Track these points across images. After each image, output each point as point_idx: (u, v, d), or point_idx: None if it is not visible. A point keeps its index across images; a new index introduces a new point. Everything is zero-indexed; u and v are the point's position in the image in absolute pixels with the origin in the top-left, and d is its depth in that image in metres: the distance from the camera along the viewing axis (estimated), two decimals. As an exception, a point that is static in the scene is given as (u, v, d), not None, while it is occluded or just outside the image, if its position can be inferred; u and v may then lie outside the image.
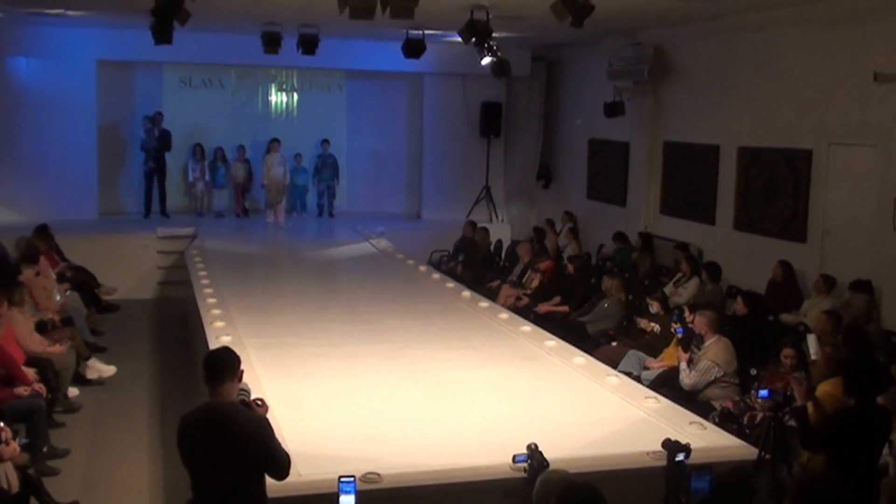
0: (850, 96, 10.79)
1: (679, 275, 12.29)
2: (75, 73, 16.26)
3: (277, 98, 18.99)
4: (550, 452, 5.41)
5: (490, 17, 11.52)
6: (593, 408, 7.21)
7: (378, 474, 5.48)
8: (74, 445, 8.55)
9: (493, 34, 11.99)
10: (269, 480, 4.84)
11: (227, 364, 4.85)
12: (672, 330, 9.06)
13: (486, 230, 15.73)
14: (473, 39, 11.84)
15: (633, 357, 9.51)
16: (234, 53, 16.38)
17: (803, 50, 11.55)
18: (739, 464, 5.76)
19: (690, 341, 8.61)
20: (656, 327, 10.00)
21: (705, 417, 7.11)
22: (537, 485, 4.43)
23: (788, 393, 7.14)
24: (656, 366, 9.28)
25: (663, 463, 5.64)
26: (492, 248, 15.81)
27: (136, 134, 17.27)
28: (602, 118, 15.35)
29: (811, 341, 8.12)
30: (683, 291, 11.84)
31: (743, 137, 12.68)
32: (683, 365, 8.53)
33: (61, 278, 12.55)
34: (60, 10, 13.35)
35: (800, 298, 10.89)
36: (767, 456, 6.22)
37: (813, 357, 7.97)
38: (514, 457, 5.51)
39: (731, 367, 8.49)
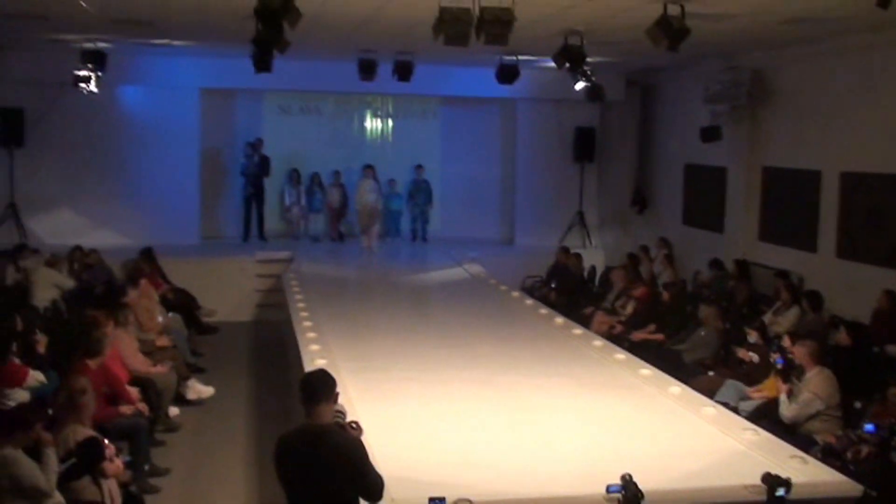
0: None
1: (778, 303, 11.98)
2: (179, 101, 16.83)
3: (373, 124, 19.29)
4: (645, 484, 5.32)
5: (584, 42, 11.50)
6: (689, 439, 7.06)
7: (470, 501, 5.46)
8: (174, 464, 8.77)
9: (588, 59, 11.95)
10: (362, 502, 4.89)
11: (323, 386, 4.92)
12: (771, 360, 8.83)
13: (579, 256, 15.63)
14: (567, 64, 11.82)
15: (731, 387, 9.31)
16: (332, 81, 16.71)
17: (909, 73, 11.22)
18: (843, 501, 5.57)
19: (791, 372, 8.38)
20: (755, 357, 9.76)
21: (807, 451, 6.88)
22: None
23: (896, 428, 6.89)
24: (756, 395, 9.05)
25: (762, 498, 5.48)
26: (585, 274, 15.69)
27: (237, 160, 17.74)
28: (698, 143, 15.13)
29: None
30: (783, 321, 11.53)
31: (845, 163, 12.34)
32: (784, 397, 8.30)
33: (164, 300, 12.94)
34: (166, 41, 13.85)
35: (906, 330, 10.50)
36: (874, 493, 5.99)
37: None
38: (607, 487, 5.43)
39: (834, 400, 8.22)
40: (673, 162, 17.30)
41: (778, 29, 11.03)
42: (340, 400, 5.09)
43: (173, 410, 10.09)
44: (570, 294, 14.63)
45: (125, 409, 8.47)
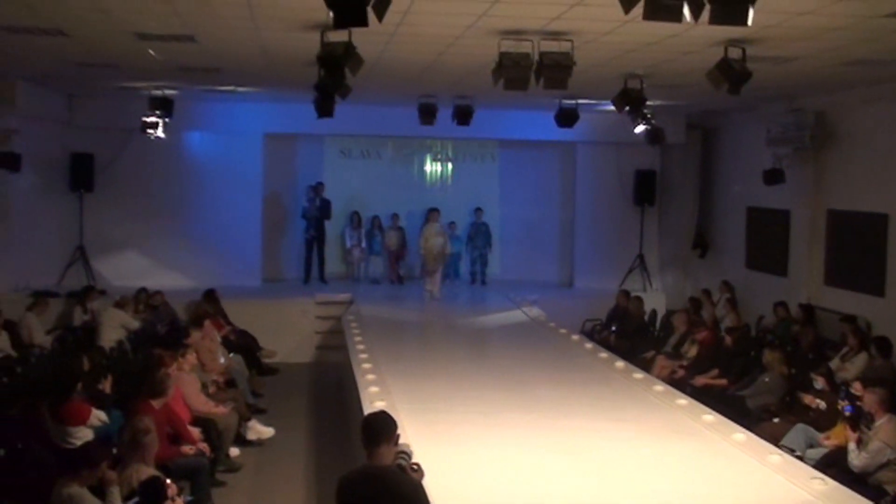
0: None
1: (846, 349, 11.72)
2: (243, 146, 17.18)
3: (432, 168, 19.46)
4: (709, 532, 5.22)
5: (644, 85, 11.50)
6: (755, 488, 6.91)
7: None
8: (234, 504, 8.83)
9: (648, 102, 11.95)
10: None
11: (383, 428, 4.95)
12: (839, 407, 8.63)
13: (640, 299, 15.49)
14: (627, 108, 11.82)
15: (800, 431, 9.08)
16: (392, 125, 16.95)
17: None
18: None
19: (860, 420, 8.17)
20: (821, 404, 9.54)
21: (876, 502, 6.70)
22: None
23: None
24: (827, 442, 8.82)
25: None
26: (646, 317, 15.54)
27: (298, 203, 17.98)
28: (761, 186, 14.96)
29: None
30: (851, 367, 11.27)
31: (914, 205, 12.10)
32: (852, 445, 8.10)
33: (226, 341, 13.10)
34: (231, 87, 14.18)
35: (981, 376, 10.19)
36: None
37: None
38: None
39: (905, 449, 8.00)
40: (735, 205, 17.12)
41: (841, 71, 10.92)
42: (400, 442, 5.10)
43: (234, 451, 10.17)
44: (630, 338, 14.49)
45: (187, 449, 8.56)
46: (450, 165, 19.50)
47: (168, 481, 6.87)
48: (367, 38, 8.00)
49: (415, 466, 5.13)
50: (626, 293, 15.80)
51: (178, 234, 17.08)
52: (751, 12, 5.92)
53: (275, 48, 10.04)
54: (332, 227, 18.04)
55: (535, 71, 8.73)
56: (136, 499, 6.62)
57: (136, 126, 14.85)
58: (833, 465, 8.10)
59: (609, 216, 18.24)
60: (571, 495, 6.67)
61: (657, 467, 7.36)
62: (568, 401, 9.41)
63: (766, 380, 10.74)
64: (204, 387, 10.42)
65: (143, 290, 14.75)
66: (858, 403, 8.35)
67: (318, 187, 17.59)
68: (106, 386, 9.01)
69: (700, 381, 11.71)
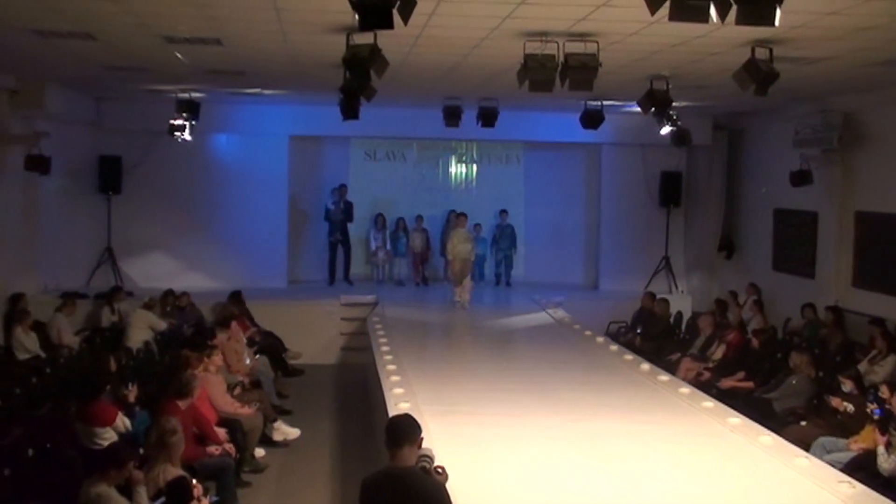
0: None
1: (874, 352, 11.59)
2: (270, 148, 17.25)
3: (457, 169, 19.46)
4: (735, 536, 5.18)
5: (670, 86, 11.45)
6: (782, 491, 6.85)
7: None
8: (260, 505, 8.86)
9: (673, 103, 11.88)
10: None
11: (407, 430, 4.95)
12: (868, 411, 8.54)
13: (665, 301, 15.42)
14: (653, 109, 11.77)
15: (818, 448, 8.94)
16: (417, 127, 16.97)
17: None
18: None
19: (889, 423, 8.08)
20: (849, 407, 9.45)
21: (906, 506, 6.62)
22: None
23: None
24: (854, 447, 8.74)
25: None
26: (672, 319, 15.45)
27: (323, 205, 18.03)
28: (788, 187, 14.85)
29: None
30: (879, 369, 11.15)
31: (944, 206, 11.96)
32: (881, 449, 8.01)
33: (251, 343, 13.17)
34: (257, 90, 14.25)
35: None
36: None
37: None
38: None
39: (935, 453, 7.91)
40: (762, 206, 16.99)
41: (870, 71, 10.81)
42: (424, 444, 5.10)
43: (259, 452, 10.21)
44: (656, 340, 14.43)
45: (213, 450, 8.61)
46: (474, 167, 19.50)
47: (194, 481, 6.92)
48: (392, 41, 8.01)
49: (439, 470, 5.13)
50: (651, 295, 15.73)
51: (204, 236, 17.18)
52: (778, 12, 5.87)
53: (301, 51, 10.08)
54: (355, 229, 18.10)
55: (561, 72, 8.70)
56: (162, 499, 6.67)
57: (163, 129, 14.95)
58: (861, 469, 8.01)
59: (634, 218, 18.17)
60: (596, 498, 6.64)
61: (683, 470, 7.31)
62: (593, 403, 9.37)
63: (794, 382, 10.66)
64: (230, 388, 10.48)
65: (170, 291, 14.85)
66: (887, 406, 8.26)
67: (341, 189, 17.65)
68: (130, 395, 9.04)
69: (726, 383, 11.64)
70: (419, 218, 18.32)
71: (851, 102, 13.62)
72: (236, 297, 14.76)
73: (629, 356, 11.82)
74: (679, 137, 13.91)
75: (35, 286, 14.56)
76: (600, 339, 13.09)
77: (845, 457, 8.60)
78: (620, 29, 8.44)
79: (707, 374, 12.13)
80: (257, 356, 12.67)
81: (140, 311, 13.43)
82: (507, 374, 10.97)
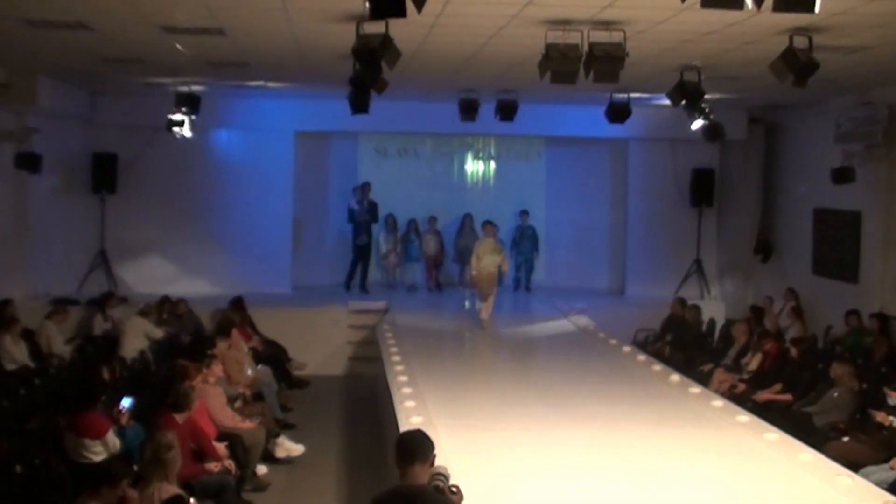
0: None
1: (923, 362, 11.55)
2: (274, 145, 17.31)
3: (473, 167, 19.46)
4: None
5: (702, 77, 11.41)
6: (822, 512, 6.83)
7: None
8: (262, 525, 8.87)
9: (706, 96, 11.85)
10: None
11: (420, 447, 4.95)
12: (915, 426, 8.48)
13: (697, 308, 15.37)
14: (683, 102, 11.74)
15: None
16: (431, 121, 16.97)
17: None
18: None
19: (938, 440, 8.02)
20: (895, 422, 9.39)
21: (957, 529, 6.57)
22: None
23: None
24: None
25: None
26: (703, 327, 15.41)
27: (330, 205, 18.04)
28: (829, 185, 14.77)
29: None
30: (928, 381, 11.09)
31: None
32: (930, 467, 7.95)
33: (253, 352, 13.19)
34: (261, 83, 14.29)
35: None
36: None
37: None
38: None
39: None
40: (801, 206, 16.92)
41: (918, 60, 10.76)
42: (436, 462, 5.09)
43: (261, 468, 10.21)
44: (686, 349, 14.39)
45: (212, 467, 8.62)
46: (492, 164, 19.49)
47: (192, 500, 6.92)
48: (404, 30, 8.01)
49: (454, 489, 5.12)
50: (682, 301, 15.68)
51: (204, 239, 17.25)
52: (818, -2, 5.84)
53: (308, 41, 10.10)
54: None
55: (585, 63, 8.68)
56: (158, 519, 6.68)
57: (161, 124, 15.01)
58: (908, 489, 7.96)
59: (664, 218, 18.12)
60: (622, 519, 6.62)
61: (716, 490, 7.29)
62: (619, 417, 9.36)
63: (835, 395, 10.60)
64: (230, 400, 10.49)
65: (166, 297, 14.89)
66: (937, 422, 8.20)
67: (364, 188, 17.58)
68: (123, 417, 9.05)
69: (763, 396, 11.59)
70: (432, 219, 18.32)
71: (897, 94, 13.56)
72: (237, 303, 14.78)
73: (657, 367, 11.81)
74: (711, 132, 13.84)
75: (24, 292, 14.63)
76: (626, 349, 13.07)
77: (890, 476, 8.54)
78: (649, 16, 8.41)
79: (742, 387, 12.08)
80: (259, 367, 12.68)
81: (135, 318, 13.46)
82: (526, 385, 10.96)
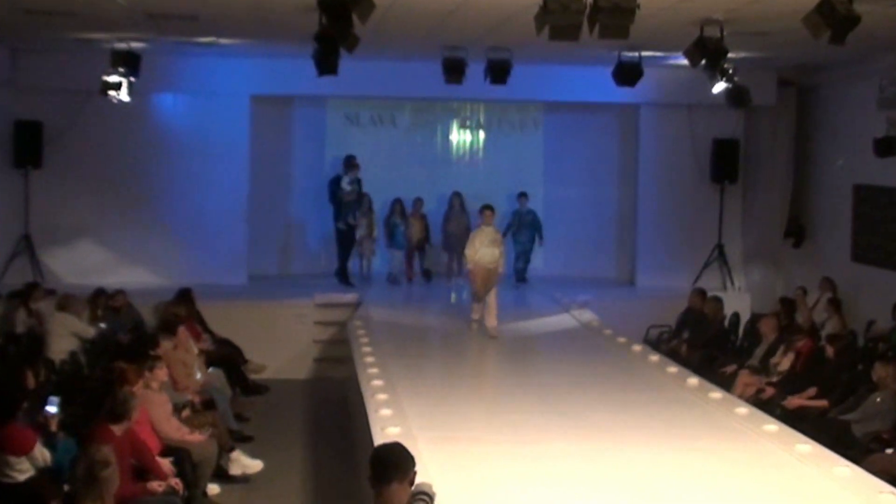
0: None
1: (979, 362, 11.61)
2: (226, 111, 17.24)
3: (460, 137, 19.45)
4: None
5: (725, 33, 11.41)
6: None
7: None
8: (214, 554, 8.87)
9: (729, 54, 11.86)
10: None
11: (397, 462, 4.94)
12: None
13: (718, 300, 15.40)
14: (703, 62, 11.75)
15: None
16: (410, 85, 16.94)
17: None
18: None
19: None
20: (947, 431, 9.47)
21: None
22: None
23: None
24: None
25: None
26: (726, 323, 15.46)
27: (294, 181, 17.97)
28: (871, 158, 14.84)
29: None
30: (985, 385, 11.16)
31: None
32: None
33: (204, 353, 13.16)
34: (211, 38, 14.20)
35: None
36: None
37: None
38: None
39: None
40: (838, 182, 16.99)
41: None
42: (419, 478, 5.09)
43: (213, 488, 10.20)
44: (706, 348, 14.44)
45: (155, 486, 8.59)
46: (481, 135, 19.48)
47: (131, 526, 6.90)
48: (377, -24, 7.98)
49: (437, 512, 5.11)
50: (701, 293, 15.73)
51: (145, 221, 17.18)
52: (859, -60, 5.84)
53: (264, -11, 10.06)
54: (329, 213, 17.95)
55: (589, 16, 8.66)
56: (92, 547, 6.65)
57: (94, 88, 14.87)
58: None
59: (680, 196, 18.17)
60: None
61: (740, 510, 7.33)
62: (628, 427, 9.40)
63: (878, 401, 10.66)
64: (176, 409, 10.47)
65: (101, 289, 14.81)
66: None
67: (351, 161, 17.43)
68: (52, 422, 9.00)
69: (794, 401, 11.64)
70: (418, 201, 18.19)
71: (950, 53, 13.63)
72: (185, 295, 14.74)
73: (673, 368, 11.87)
74: (736, 97, 13.85)
75: (-66, 283, 14.59)
76: (637, 348, 13.12)
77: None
78: (662, -39, 8.41)
79: (770, 391, 12.13)
80: (210, 369, 12.67)
81: (60, 314, 13.28)
82: (521, 391, 10.98)
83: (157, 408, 9.82)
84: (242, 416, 12.99)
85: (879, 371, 10.94)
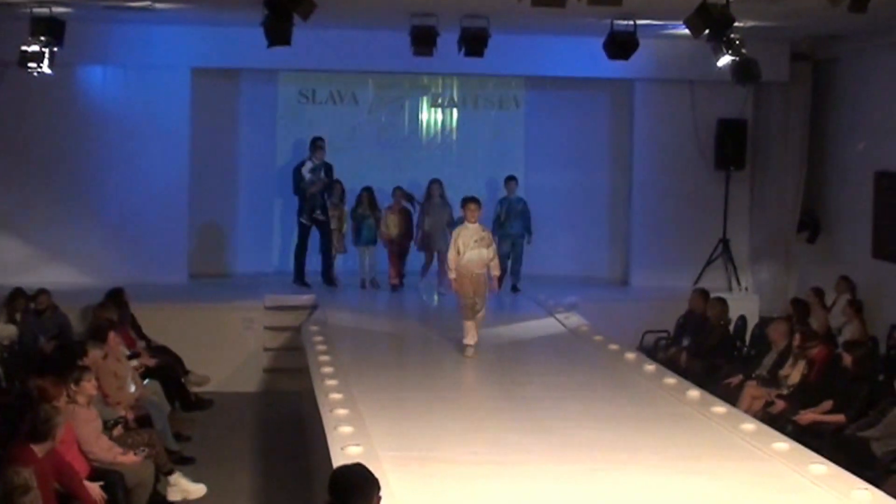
0: None
1: None
2: (164, 85, 17.21)
3: (430, 117, 19.42)
4: None
5: (730, -1, 11.48)
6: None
7: None
8: (150, 591, 8.87)
9: (736, 23, 11.92)
10: None
11: (359, 486, 4.97)
12: None
13: (723, 302, 15.47)
14: (707, 32, 11.80)
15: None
16: (373, 57, 16.93)
17: None
18: None
19: None
20: (978, 449, 9.57)
21: None
22: None
23: None
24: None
25: None
26: (731, 328, 15.53)
27: (240, 165, 17.94)
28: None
29: None
30: None
31: None
32: None
33: (139, 362, 13.13)
34: (146, 3, 14.14)
35: None
36: None
37: None
38: None
39: None
40: (858, 169, 17.09)
41: None
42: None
43: (150, 516, 10.21)
44: (709, 356, 14.50)
45: (83, 514, 8.59)
46: (455, 113, 19.47)
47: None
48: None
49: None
50: (703, 294, 15.79)
51: (71, 211, 17.14)
52: None
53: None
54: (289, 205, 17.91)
55: (575, -21, 8.72)
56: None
57: (11, 58, 14.80)
58: None
59: (680, 185, 18.24)
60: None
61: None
62: (621, 445, 9.43)
63: (902, 416, 10.76)
64: (107, 426, 10.45)
65: (19, 289, 14.75)
66: None
67: (317, 145, 17.10)
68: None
69: (807, 416, 11.71)
70: (398, 191, 17.55)
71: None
72: (116, 297, 14.68)
73: (671, 379, 11.89)
74: (743, 72, 13.94)
75: None
76: (631, 356, 13.15)
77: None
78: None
79: (780, 405, 12.20)
80: (146, 382, 12.65)
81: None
82: (500, 405, 11.00)
83: (84, 425, 9.79)
84: (182, 434, 12.97)
85: (904, 382, 11.06)
